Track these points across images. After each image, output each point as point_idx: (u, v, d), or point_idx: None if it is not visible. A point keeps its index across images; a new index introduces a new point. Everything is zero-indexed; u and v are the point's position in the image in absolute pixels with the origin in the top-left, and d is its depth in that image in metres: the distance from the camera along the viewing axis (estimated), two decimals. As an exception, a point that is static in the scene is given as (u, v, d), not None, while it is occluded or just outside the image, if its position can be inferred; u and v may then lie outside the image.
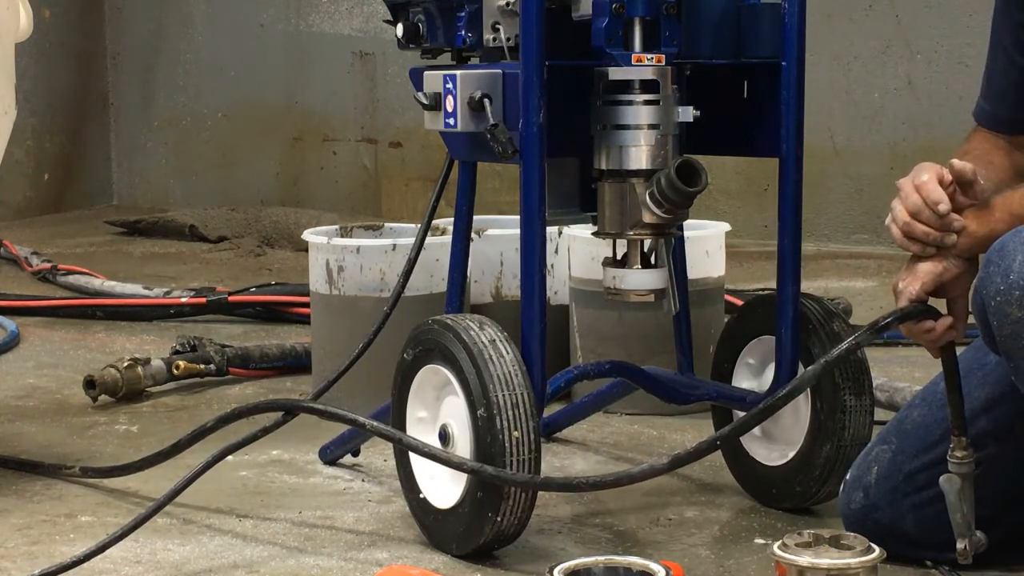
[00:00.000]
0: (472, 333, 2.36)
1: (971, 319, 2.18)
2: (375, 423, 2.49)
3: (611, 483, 2.31)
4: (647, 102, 2.41)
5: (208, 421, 2.69)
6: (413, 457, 2.48)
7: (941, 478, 2.20)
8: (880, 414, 2.71)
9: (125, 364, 3.56)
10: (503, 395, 2.29)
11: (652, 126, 2.42)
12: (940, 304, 2.23)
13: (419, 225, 2.76)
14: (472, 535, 2.37)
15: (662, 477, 2.84)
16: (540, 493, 2.39)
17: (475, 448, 2.32)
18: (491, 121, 2.35)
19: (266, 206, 6.98)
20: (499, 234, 3.55)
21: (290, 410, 2.63)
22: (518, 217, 2.38)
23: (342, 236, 3.45)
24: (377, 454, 3.02)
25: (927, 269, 2.18)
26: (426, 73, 2.50)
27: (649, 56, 2.40)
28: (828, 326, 2.57)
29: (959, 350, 2.26)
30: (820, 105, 5.84)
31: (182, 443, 2.72)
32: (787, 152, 2.52)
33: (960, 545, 2.19)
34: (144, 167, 8.02)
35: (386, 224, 3.64)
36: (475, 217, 2.66)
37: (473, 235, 2.68)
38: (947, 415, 2.29)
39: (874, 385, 2.62)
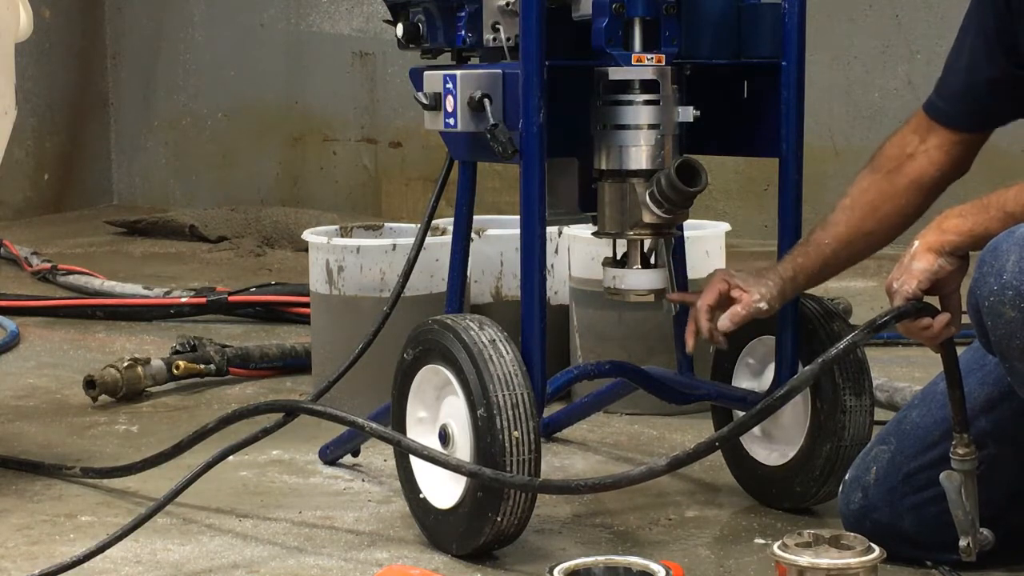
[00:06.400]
0: (472, 333, 2.36)
1: (967, 319, 2.18)
2: (375, 425, 2.49)
3: (610, 485, 2.30)
4: (647, 102, 2.41)
5: (209, 422, 2.68)
6: (413, 457, 2.48)
7: (941, 475, 2.20)
8: (880, 414, 2.71)
9: (125, 364, 3.56)
10: (503, 395, 2.29)
11: (652, 126, 2.42)
12: (934, 300, 2.24)
13: (419, 225, 2.76)
14: (472, 535, 2.37)
15: (662, 477, 2.85)
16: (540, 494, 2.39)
17: (475, 448, 2.32)
18: (491, 121, 2.35)
19: (266, 206, 6.98)
20: (499, 234, 3.55)
21: (291, 411, 2.63)
22: (518, 217, 2.38)
23: (342, 236, 3.45)
24: (377, 454, 3.02)
25: (922, 267, 2.18)
26: (426, 73, 2.50)
27: (649, 56, 2.40)
28: (828, 326, 2.57)
29: (959, 351, 2.27)
30: (820, 105, 5.84)
31: (183, 444, 2.72)
32: (787, 152, 2.52)
33: (963, 542, 2.19)
34: (144, 167, 8.02)
35: (386, 224, 3.64)
36: (475, 217, 2.66)
37: (473, 235, 2.67)
38: (947, 415, 2.29)
39: (874, 385, 2.62)
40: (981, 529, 2.20)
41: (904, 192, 2.46)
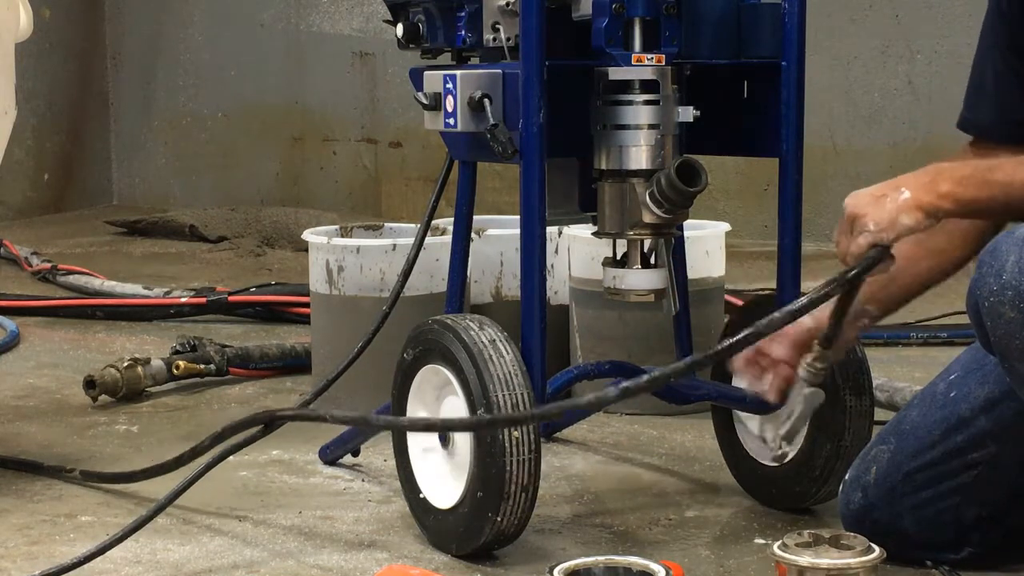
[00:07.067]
0: (472, 333, 2.36)
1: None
2: (338, 413, 2.51)
3: (556, 413, 2.34)
4: (647, 102, 2.41)
5: (205, 440, 2.64)
6: (413, 457, 2.48)
7: (807, 391, 2.14)
8: (880, 414, 2.71)
9: (125, 364, 3.56)
10: (503, 395, 2.29)
11: (652, 126, 2.42)
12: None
13: (419, 225, 2.76)
14: (472, 535, 2.37)
15: (662, 477, 2.86)
16: (540, 493, 2.39)
17: (475, 448, 2.32)
18: (491, 121, 2.35)
19: (266, 206, 6.99)
20: (499, 234, 3.55)
21: (269, 423, 2.60)
22: (518, 217, 2.38)
23: (342, 236, 3.45)
24: (377, 454, 3.02)
25: (908, 225, 2.09)
26: (426, 73, 2.50)
27: (649, 56, 2.40)
28: (828, 326, 2.56)
29: (958, 351, 2.26)
30: (820, 105, 5.84)
31: (184, 457, 2.68)
32: (787, 152, 2.52)
33: (787, 448, 2.15)
34: (144, 167, 8.02)
35: (386, 224, 3.64)
36: (475, 217, 2.66)
37: (473, 235, 2.67)
38: (946, 415, 2.30)
39: (874, 385, 2.62)
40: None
41: None
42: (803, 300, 2.09)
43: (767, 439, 2.25)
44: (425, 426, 2.35)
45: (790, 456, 2.24)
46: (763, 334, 2.08)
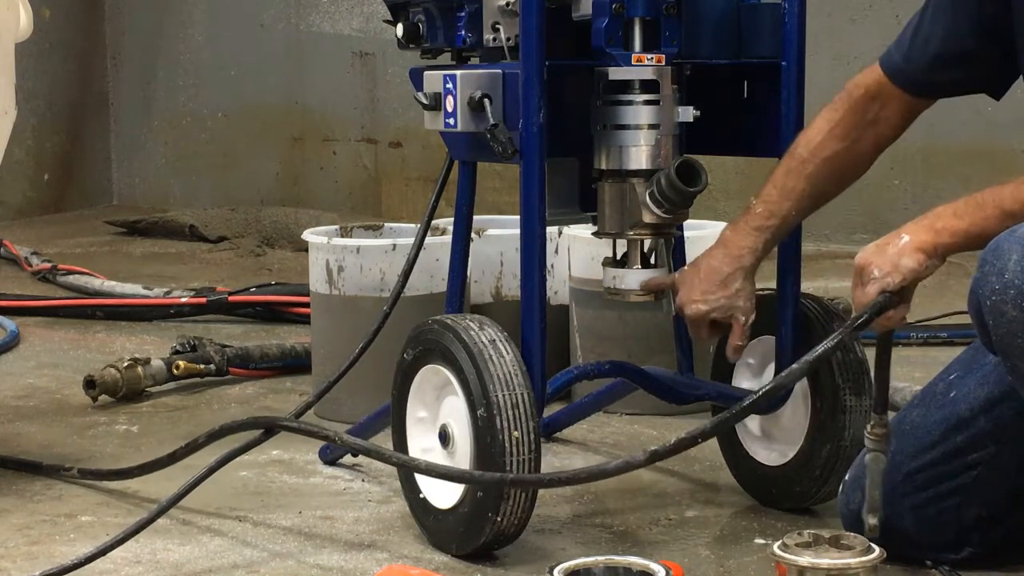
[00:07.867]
0: (472, 333, 2.36)
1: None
2: (348, 437, 2.51)
3: (585, 478, 2.31)
4: (647, 102, 2.41)
5: (200, 436, 2.66)
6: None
7: (868, 457, 2.20)
8: (880, 414, 2.70)
9: (125, 364, 3.56)
10: (503, 395, 2.29)
11: (652, 126, 2.42)
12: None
13: (419, 225, 2.76)
14: (472, 535, 2.37)
15: (662, 477, 2.86)
16: (540, 493, 2.39)
17: (475, 448, 2.32)
18: (491, 121, 2.35)
19: (266, 206, 6.99)
20: (499, 234, 3.55)
21: (270, 428, 2.61)
22: (518, 217, 2.38)
23: (342, 236, 3.45)
24: (377, 454, 3.02)
25: (911, 267, 2.14)
26: (426, 73, 2.50)
27: (649, 56, 2.40)
28: (828, 326, 2.56)
29: (959, 350, 2.26)
30: (820, 105, 5.83)
31: (177, 454, 2.70)
32: (787, 152, 2.52)
33: (873, 520, 2.19)
34: (144, 167, 8.02)
35: (386, 224, 3.64)
36: (475, 217, 2.66)
37: (473, 235, 2.67)
38: (946, 415, 2.30)
39: (874, 385, 2.62)
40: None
41: (868, 159, 2.50)
42: (818, 350, 2.18)
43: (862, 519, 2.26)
44: (442, 474, 2.34)
45: (879, 526, 2.25)
46: (783, 386, 2.19)
